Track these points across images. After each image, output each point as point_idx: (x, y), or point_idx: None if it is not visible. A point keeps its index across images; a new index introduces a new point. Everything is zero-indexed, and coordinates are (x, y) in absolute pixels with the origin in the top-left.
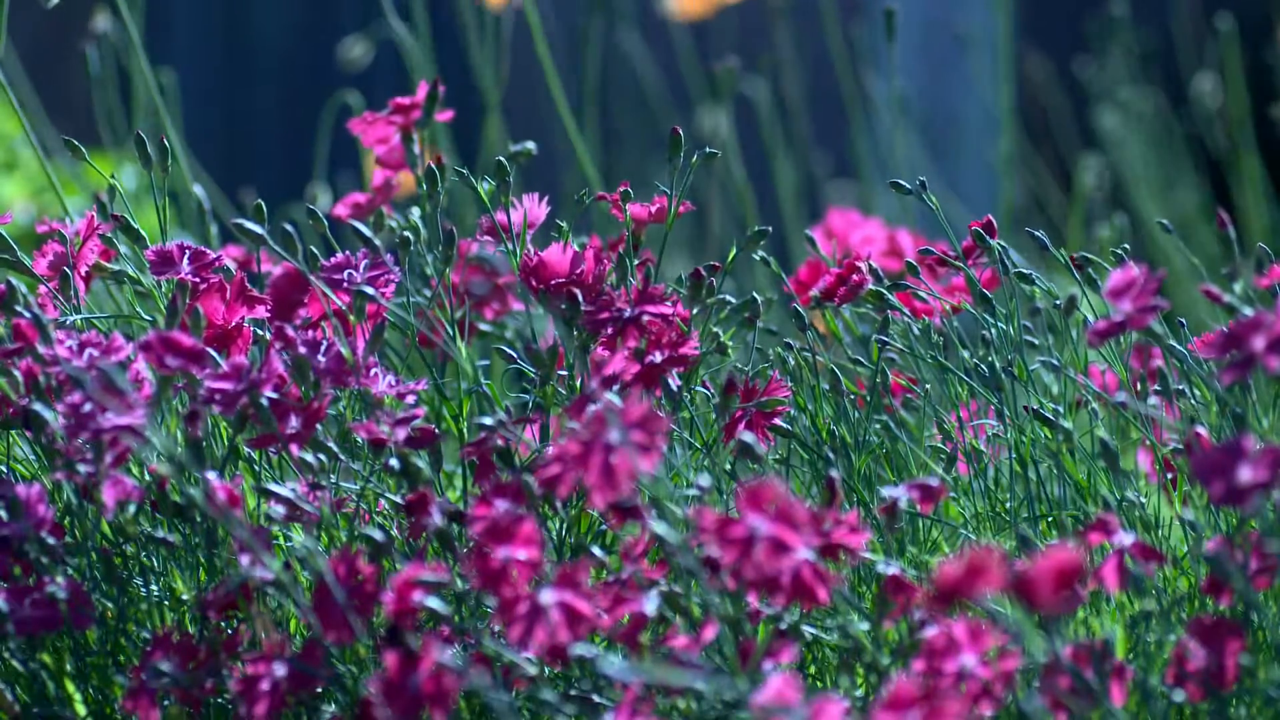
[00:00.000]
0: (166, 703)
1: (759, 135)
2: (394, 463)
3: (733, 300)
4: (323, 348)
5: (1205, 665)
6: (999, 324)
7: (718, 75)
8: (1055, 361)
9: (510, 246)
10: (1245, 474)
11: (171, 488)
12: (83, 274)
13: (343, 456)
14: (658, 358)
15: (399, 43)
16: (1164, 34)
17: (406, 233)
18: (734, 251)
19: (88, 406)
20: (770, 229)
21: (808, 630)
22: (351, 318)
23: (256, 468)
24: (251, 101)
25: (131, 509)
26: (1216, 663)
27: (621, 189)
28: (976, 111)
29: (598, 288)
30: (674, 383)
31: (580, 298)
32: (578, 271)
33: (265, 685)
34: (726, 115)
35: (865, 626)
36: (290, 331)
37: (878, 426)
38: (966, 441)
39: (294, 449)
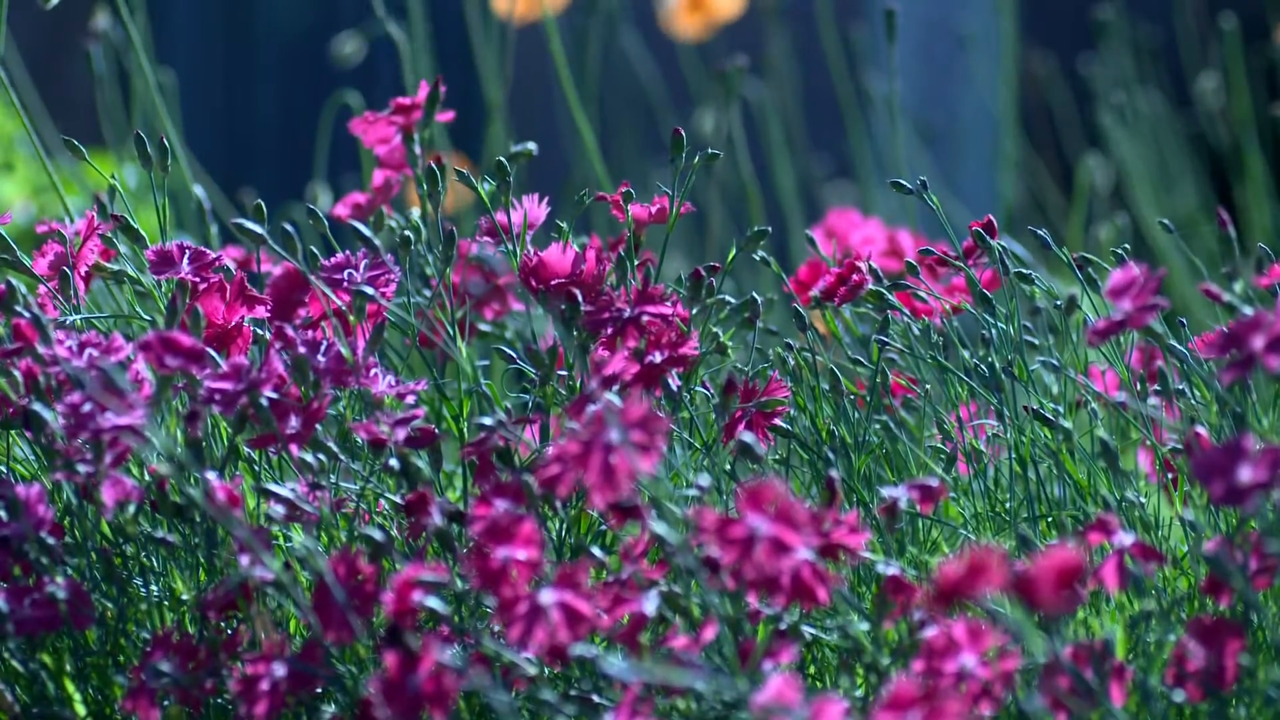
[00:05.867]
0: (166, 703)
1: (759, 136)
2: (394, 463)
3: (732, 300)
4: (323, 348)
5: (1205, 665)
6: (999, 324)
7: (726, 75)
8: (1055, 361)
9: (510, 247)
10: (1245, 474)
11: (171, 488)
12: (83, 274)
13: (343, 456)
14: (657, 358)
15: (402, 41)
16: (1167, 32)
17: (407, 232)
18: (734, 251)
19: (88, 406)
20: (770, 229)
21: (808, 630)
22: (351, 318)
23: (256, 468)
24: (252, 101)
25: (131, 509)
26: (1216, 663)
27: (622, 189)
28: (976, 112)
29: (598, 288)
30: (674, 383)
31: (580, 298)
32: (578, 272)
33: (265, 685)
34: (733, 115)
35: (865, 626)
36: (290, 331)
37: (878, 427)
38: (966, 441)
39: (294, 449)
